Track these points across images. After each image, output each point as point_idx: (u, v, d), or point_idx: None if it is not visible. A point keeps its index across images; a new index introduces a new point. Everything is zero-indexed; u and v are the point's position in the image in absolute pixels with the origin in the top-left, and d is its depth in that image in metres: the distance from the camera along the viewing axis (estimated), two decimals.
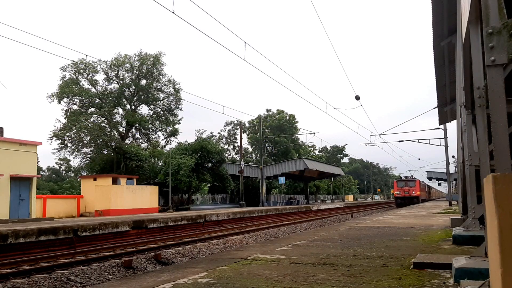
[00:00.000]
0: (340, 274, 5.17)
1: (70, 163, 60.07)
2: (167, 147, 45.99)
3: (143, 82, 43.94)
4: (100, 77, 43.14)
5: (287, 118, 71.54)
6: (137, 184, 33.54)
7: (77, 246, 14.48)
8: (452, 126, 52.89)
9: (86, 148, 41.67)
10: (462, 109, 8.34)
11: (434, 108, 19.39)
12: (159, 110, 45.95)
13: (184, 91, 47.01)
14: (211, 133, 67.47)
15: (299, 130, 70.40)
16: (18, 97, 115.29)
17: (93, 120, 41.13)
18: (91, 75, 42.21)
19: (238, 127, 61.99)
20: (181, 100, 45.35)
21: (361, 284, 4.60)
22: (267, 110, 73.83)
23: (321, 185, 77.62)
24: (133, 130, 44.67)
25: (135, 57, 43.32)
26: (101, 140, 40.61)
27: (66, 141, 39.82)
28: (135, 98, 44.45)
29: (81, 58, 40.62)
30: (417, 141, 37.15)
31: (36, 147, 26.06)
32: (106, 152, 42.13)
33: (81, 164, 44.42)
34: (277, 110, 73.46)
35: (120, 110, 44.08)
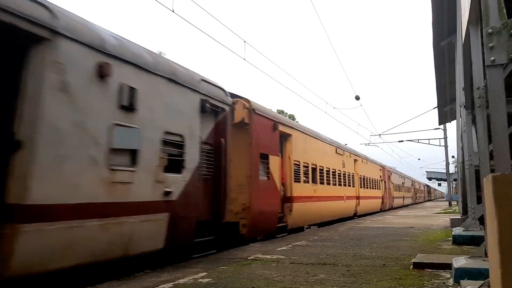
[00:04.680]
0: (340, 274, 5.17)
1: None
2: None
3: None
4: None
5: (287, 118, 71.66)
6: None
7: None
8: (452, 126, 52.41)
9: None
10: (462, 109, 8.35)
11: (434, 108, 19.40)
12: None
13: None
14: None
15: None
16: None
17: None
18: None
19: None
20: None
21: (361, 284, 4.60)
22: None
23: None
24: None
25: None
26: None
27: None
28: None
29: None
30: (417, 141, 37.11)
31: None
32: None
33: None
34: (277, 110, 73.54)
35: None
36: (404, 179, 39.87)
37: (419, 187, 60.94)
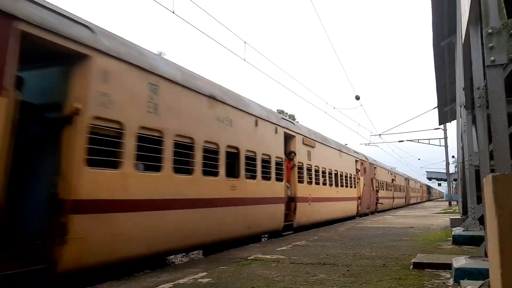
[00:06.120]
0: (340, 274, 5.17)
1: None
2: None
3: None
4: None
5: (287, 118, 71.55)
6: None
7: None
8: (452, 126, 52.17)
9: None
10: (462, 109, 8.35)
11: (434, 108, 19.42)
12: None
13: None
14: None
15: None
16: None
17: None
18: None
19: None
20: None
21: (361, 284, 4.60)
22: None
23: None
24: None
25: None
26: None
27: None
28: None
29: None
30: (417, 141, 37.13)
31: None
32: None
33: None
34: (277, 110, 73.48)
35: None
36: None
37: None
